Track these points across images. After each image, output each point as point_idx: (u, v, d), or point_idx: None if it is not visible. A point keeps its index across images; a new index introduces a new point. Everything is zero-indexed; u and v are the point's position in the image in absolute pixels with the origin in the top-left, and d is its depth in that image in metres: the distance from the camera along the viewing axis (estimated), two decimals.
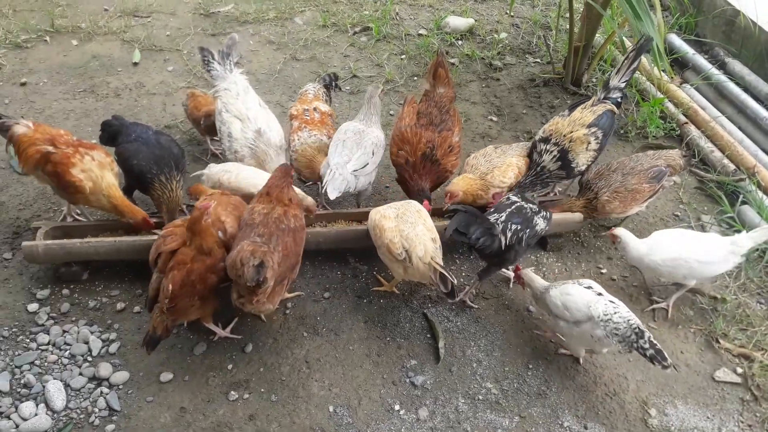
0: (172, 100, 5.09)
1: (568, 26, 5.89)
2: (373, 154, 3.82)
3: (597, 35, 5.29)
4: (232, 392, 3.14)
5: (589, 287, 3.17)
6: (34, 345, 3.32)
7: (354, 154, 3.74)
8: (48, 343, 3.33)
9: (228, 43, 4.14)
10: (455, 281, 3.13)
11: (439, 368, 3.31)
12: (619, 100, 4.04)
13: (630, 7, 3.92)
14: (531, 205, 3.46)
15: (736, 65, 5.38)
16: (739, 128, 4.88)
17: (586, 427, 3.09)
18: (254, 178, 3.60)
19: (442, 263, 3.20)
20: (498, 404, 3.17)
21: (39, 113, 4.90)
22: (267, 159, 3.77)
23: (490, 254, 3.30)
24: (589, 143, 3.83)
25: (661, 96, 5.03)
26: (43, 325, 3.42)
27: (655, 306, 3.67)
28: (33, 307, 3.50)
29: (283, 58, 5.65)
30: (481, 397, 3.19)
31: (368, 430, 3.03)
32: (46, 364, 3.24)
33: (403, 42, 5.90)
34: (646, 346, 2.93)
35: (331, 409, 3.10)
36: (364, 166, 3.75)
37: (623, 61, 4.05)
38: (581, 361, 3.35)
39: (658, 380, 3.32)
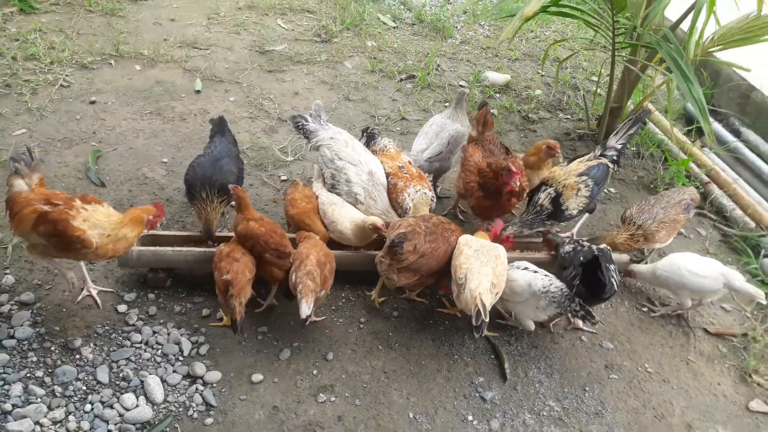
0: (236, 127, 5.40)
1: (594, 87, 6.47)
2: (449, 143, 4.64)
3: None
4: (321, 395, 3.37)
5: (526, 268, 3.68)
6: (128, 343, 3.52)
7: (432, 143, 4.63)
8: (141, 342, 3.54)
9: (315, 107, 4.51)
10: (487, 320, 3.33)
11: (505, 386, 3.59)
12: (614, 158, 4.50)
13: (680, 72, 4.42)
14: (589, 244, 3.81)
15: (751, 135, 5.93)
16: (756, 191, 5.38)
17: None
18: (351, 216, 3.94)
19: (486, 303, 3.37)
20: (561, 420, 3.45)
21: (110, 130, 5.19)
22: (375, 196, 4.11)
23: (601, 299, 3.62)
24: (579, 190, 4.23)
25: (686, 157, 5.52)
26: (134, 325, 3.63)
27: (657, 312, 4.18)
28: (122, 308, 3.72)
29: (337, 97, 6.05)
30: (545, 414, 3.47)
31: None
32: (141, 360, 3.45)
33: (446, 91, 6.36)
34: (577, 308, 3.48)
35: (411, 415, 3.35)
36: (439, 153, 4.61)
37: (622, 125, 4.55)
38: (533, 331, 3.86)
39: (700, 408, 3.65)
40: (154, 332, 3.60)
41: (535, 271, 3.67)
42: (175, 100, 5.69)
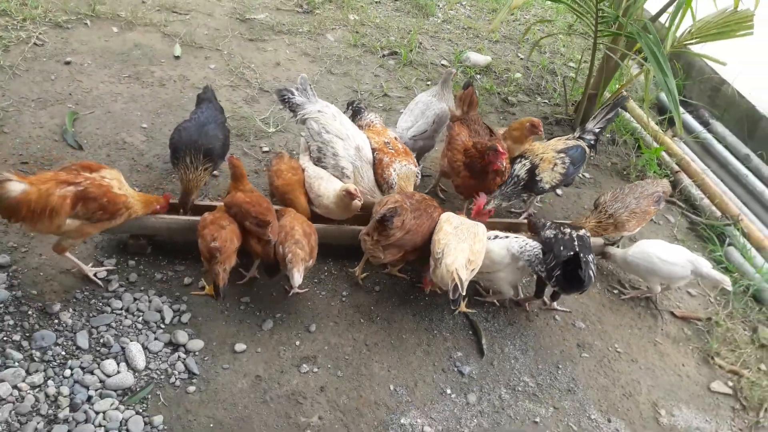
0: (217, 96, 5.31)
1: (572, 73, 6.58)
2: (434, 122, 4.66)
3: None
4: (304, 365, 3.41)
5: (496, 236, 3.80)
6: (108, 309, 3.49)
7: (417, 121, 4.65)
8: (122, 309, 3.51)
9: (301, 81, 4.43)
10: (464, 293, 3.40)
11: (482, 362, 3.69)
12: (592, 142, 4.66)
13: (657, 63, 4.54)
14: (570, 230, 3.89)
15: (719, 126, 6.13)
16: (722, 181, 5.59)
17: (609, 420, 3.54)
18: (334, 188, 3.92)
19: (462, 278, 3.43)
20: (535, 396, 3.58)
21: (87, 93, 5.04)
22: (363, 173, 4.10)
23: (579, 289, 3.65)
24: (556, 165, 4.39)
25: (658, 146, 5.68)
26: (114, 291, 3.59)
27: (627, 294, 4.34)
28: (102, 274, 3.67)
29: (319, 70, 6.00)
30: (520, 389, 3.59)
31: (425, 408, 3.37)
32: (121, 327, 3.42)
33: (428, 70, 6.37)
34: (552, 263, 3.58)
35: (391, 387, 3.43)
36: (424, 132, 4.64)
37: (600, 110, 4.72)
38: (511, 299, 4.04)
39: (665, 387, 3.82)
40: (135, 299, 3.57)
41: (506, 236, 3.80)
42: (154, 64, 5.55)
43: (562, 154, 4.43)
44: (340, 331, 3.66)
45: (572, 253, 3.53)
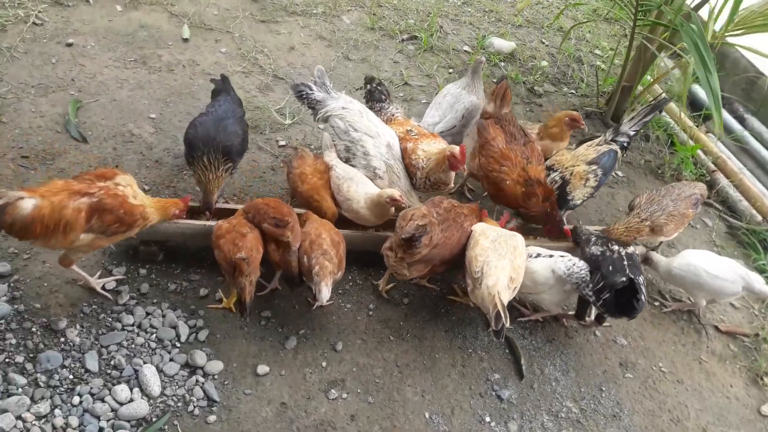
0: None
1: (599, 61, 6.23)
2: (463, 117, 4.29)
3: None
4: (332, 390, 3.14)
5: (539, 255, 3.47)
6: (118, 325, 3.20)
7: (446, 116, 4.28)
8: (133, 325, 3.22)
9: (318, 73, 4.07)
10: (507, 324, 3.07)
11: (521, 384, 3.43)
12: (625, 144, 4.26)
13: (700, 58, 4.21)
14: (618, 247, 3.57)
15: (755, 122, 5.82)
16: (759, 181, 5.30)
17: None
18: (368, 192, 3.58)
19: (504, 301, 3.15)
20: (579, 423, 3.33)
21: (90, 78, 4.68)
22: (397, 172, 3.78)
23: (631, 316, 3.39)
24: (588, 180, 4.00)
25: (693, 143, 5.37)
26: (124, 304, 3.30)
27: (669, 307, 4.07)
28: (111, 285, 3.37)
29: (336, 55, 5.63)
30: (563, 415, 3.34)
31: None
32: (133, 346, 3.14)
33: (449, 56, 6.01)
34: (592, 295, 3.31)
35: (426, 415, 3.17)
36: (452, 127, 4.27)
37: (639, 112, 4.31)
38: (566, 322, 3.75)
39: (714, 411, 3.58)
40: (148, 314, 3.28)
41: (551, 255, 3.47)
42: (161, 47, 5.18)
43: (593, 166, 4.03)
44: (368, 350, 3.39)
45: (625, 279, 3.24)
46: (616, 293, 3.22)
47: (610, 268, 3.34)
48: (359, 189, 3.59)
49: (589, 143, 4.20)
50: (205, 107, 3.87)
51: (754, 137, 5.67)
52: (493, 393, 3.35)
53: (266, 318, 3.42)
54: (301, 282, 3.25)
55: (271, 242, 3.24)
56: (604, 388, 3.53)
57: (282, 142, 4.61)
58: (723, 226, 4.91)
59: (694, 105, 6.11)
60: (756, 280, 3.79)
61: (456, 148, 3.59)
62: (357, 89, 5.08)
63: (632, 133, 4.24)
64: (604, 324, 3.81)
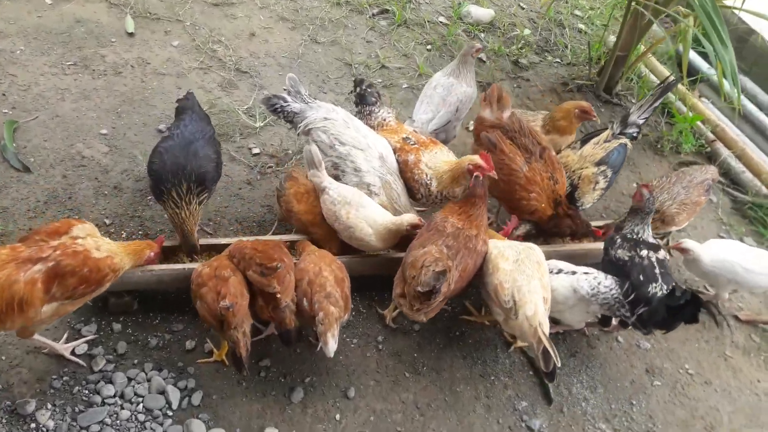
0: (187, 83, 4.42)
1: (583, 25, 5.84)
2: (457, 110, 3.89)
3: None
4: None
5: (560, 270, 3.15)
6: (98, 399, 2.77)
7: (438, 111, 3.85)
8: (115, 396, 2.79)
9: (290, 82, 3.57)
10: (559, 363, 2.76)
11: (550, 410, 3.17)
12: (635, 135, 3.93)
13: (713, 28, 3.87)
14: (647, 251, 3.22)
15: (748, 82, 5.56)
16: (759, 148, 5.08)
17: None
18: (374, 218, 3.15)
19: (547, 333, 2.85)
20: None
21: (24, 91, 4.07)
22: (395, 187, 3.34)
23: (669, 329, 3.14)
24: (597, 183, 3.69)
25: (690, 113, 5.09)
26: (101, 371, 2.86)
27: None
28: (82, 348, 2.92)
29: (302, 39, 5.08)
30: None
31: None
32: (119, 423, 2.72)
33: (426, 30, 5.52)
34: (628, 314, 3.00)
35: None
36: (447, 123, 3.88)
37: (648, 97, 3.94)
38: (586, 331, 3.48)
39: (745, 412, 3.41)
40: (130, 379, 2.86)
41: (574, 272, 3.13)
42: (103, 45, 4.55)
43: (602, 167, 3.69)
44: (384, 393, 3.05)
45: (665, 289, 2.96)
46: (667, 308, 2.93)
47: (641, 276, 3.05)
48: (360, 213, 3.16)
49: (595, 141, 3.82)
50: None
51: (748, 99, 5.43)
52: (523, 424, 3.08)
53: (265, 368, 3.03)
54: (299, 338, 2.86)
55: (260, 295, 2.81)
56: (634, 401, 3.30)
57: (256, 150, 4.12)
58: (728, 201, 4.69)
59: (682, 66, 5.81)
60: None
61: (476, 158, 3.19)
62: (336, 82, 4.59)
63: (641, 121, 3.89)
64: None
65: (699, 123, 5.11)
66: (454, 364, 3.25)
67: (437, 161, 3.44)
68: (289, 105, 3.48)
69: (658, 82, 5.50)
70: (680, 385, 3.45)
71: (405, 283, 2.88)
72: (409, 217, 3.11)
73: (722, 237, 4.39)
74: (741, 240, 4.36)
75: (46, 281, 2.46)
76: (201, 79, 4.52)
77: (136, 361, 2.94)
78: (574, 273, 3.10)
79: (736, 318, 3.87)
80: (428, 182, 3.40)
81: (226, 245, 3.14)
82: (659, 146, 4.95)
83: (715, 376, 3.54)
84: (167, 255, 3.18)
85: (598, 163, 3.71)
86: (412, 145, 3.54)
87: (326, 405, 2.95)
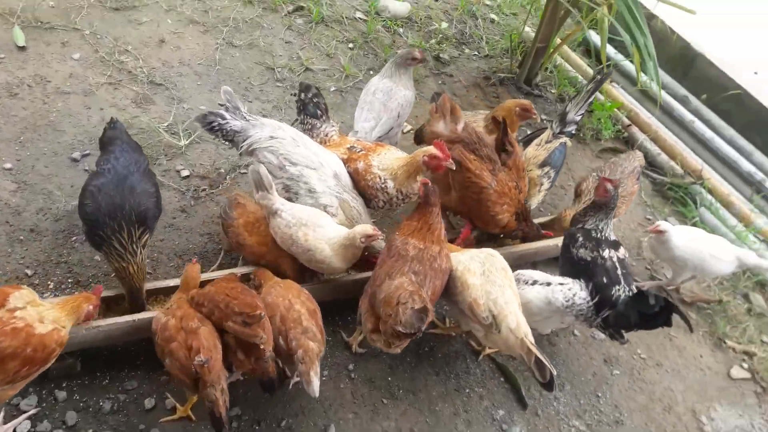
0: (96, 101, 3.99)
1: (494, 15, 5.91)
2: (399, 116, 3.81)
3: None
4: None
5: (535, 282, 3.14)
6: None
7: (381, 117, 3.73)
8: None
9: (227, 97, 3.27)
10: (554, 371, 2.71)
11: (526, 415, 3.20)
12: (573, 132, 4.06)
13: (632, 19, 4.01)
14: (609, 250, 3.23)
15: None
16: (665, 127, 5.39)
17: None
18: (330, 236, 2.97)
19: (533, 343, 2.81)
20: None
21: None
22: (354, 205, 3.16)
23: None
24: (542, 185, 3.81)
25: (612, 101, 5.28)
26: None
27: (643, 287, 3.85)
28: (25, 426, 2.56)
29: (216, 43, 4.74)
30: None
31: None
32: None
33: (345, 27, 5.33)
34: (603, 324, 3.08)
35: None
36: (389, 130, 3.79)
37: (582, 94, 4.01)
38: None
39: (695, 388, 3.62)
40: None
41: (549, 283, 3.15)
42: None
43: (546, 168, 3.78)
44: (364, 425, 2.94)
45: (627, 291, 3.04)
46: (640, 314, 2.99)
47: (604, 278, 3.11)
48: (319, 234, 2.98)
49: (537, 142, 3.89)
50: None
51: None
52: None
53: (236, 416, 2.81)
54: (282, 382, 2.67)
55: (237, 347, 2.58)
56: (599, 394, 3.41)
57: (185, 172, 3.80)
58: (649, 184, 4.94)
59: (589, 52, 6.02)
60: (749, 256, 3.78)
61: (431, 149, 3.10)
62: (258, 88, 4.32)
63: (578, 118, 3.99)
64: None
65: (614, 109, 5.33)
66: (428, 382, 3.19)
67: (388, 160, 3.32)
68: (228, 123, 3.21)
69: (568, 67, 5.69)
70: (636, 370, 3.60)
71: (377, 319, 2.73)
72: (361, 228, 2.94)
73: (648, 219, 4.64)
74: (666, 220, 4.62)
75: None
76: (112, 96, 4.09)
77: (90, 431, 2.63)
78: (549, 284, 3.09)
79: (683, 301, 4.08)
80: (383, 185, 3.27)
81: (175, 287, 2.88)
82: (581, 135, 5.11)
83: (664, 357, 3.73)
84: (108, 304, 2.86)
85: (542, 165, 3.78)
86: (359, 152, 3.40)
87: None
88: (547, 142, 3.86)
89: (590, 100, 4.00)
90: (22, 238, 3.20)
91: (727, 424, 3.49)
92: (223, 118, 3.20)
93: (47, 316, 2.32)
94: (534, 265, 3.64)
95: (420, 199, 3.06)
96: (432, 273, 2.89)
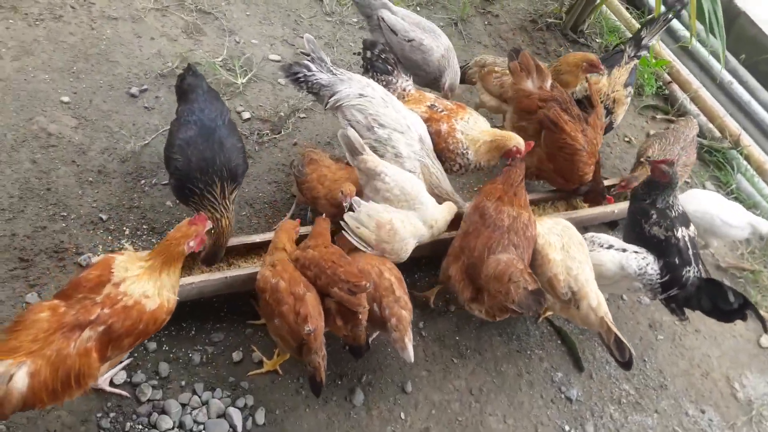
0: (146, 30, 3.76)
1: None
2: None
3: None
4: None
5: (611, 246, 3.22)
6: None
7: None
8: (174, 428, 2.54)
9: (311, 47, 3.08)
10: (633, 351, 2.78)
11: (582, 378, 3.36)
12: (645, 56, 4.38)
13: None
14: (681, 229, 3.26)
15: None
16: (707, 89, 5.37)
17: (703, 411, 3.50)
18: (416, 228, 2.91)
19: (612, 322, 2.88)
20: (638, 404, 3.38)
21: None
22: (434, 171, 3.11)
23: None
24: (626, 103, 4.03)
25: (659, 59, 5.20)
26: (150, 400, 2.57)
27: None
28: (121, 376, 2.58)
29: None
30: (624, 401, 3.36)
31: None
32: None
33: None
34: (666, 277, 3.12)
35: None
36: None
37: (656, 22, 4.06)
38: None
39: (729, 354, 3.82)
40: (184, 405, 2.60)
41: (624, 249, 3.20)
42: None
43: (629, 87, 4.00)
44: (437, 383, 3.05)
45: (695, 272, 3.12)
46: (718, 308, 3.09)
47: (676, 260, 3.16)
48: (407, 224, 2.87)
49: (619, 64, 3.98)
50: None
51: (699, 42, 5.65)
52: (562, 396, 3.25)
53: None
54: (367, 347, 2.71)
55: (337, 313, 2.59)
56: (645, 359, 3.59)
57: (246, 114, 3.67)
58: None
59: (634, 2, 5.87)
60: (764, 225, 3.90)
61: (522, 143, 3.07)
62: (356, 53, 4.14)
63: (651, 44, 4.15)
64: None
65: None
66: (493, 343, 3.30)
67: (472, 130, 3.26)
68: (314, 75, 3.06)
69: (612, 16, 5.56)
70: (677, 336, 3.78)
71: (477, 290, 2.79)
72: (454, 204, 2.98)
73: (687, 183, 4.71)
74: (703, 185, 4.71)
75: (100, 348, 2.13)
76: (161, 24, 3.85)
77: (183, 383, 2.67)
78: (624, 250, 3.15)
79: (718, 267, 4.23)
80: (465, 152, 3.23)
81: (262, 243, 2.86)
82: None
83: (701, 323, 3.90)
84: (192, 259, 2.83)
85: (626, 85, 3.97)
86: (440, 112, 3.31)
87: (388, 404, 2.90)
88: (626, 63, 4.00)
89: (663, 28, 4.11)
90: (91, 179, 3.09)
91: (757, 390, 3.72)
92: (309, 70, 3.05)
93: (151, 285, 2.24)
94: (585, 229, 3.72)
95: (510, 162, 3.04)
96: (525, 243, 2.93)
